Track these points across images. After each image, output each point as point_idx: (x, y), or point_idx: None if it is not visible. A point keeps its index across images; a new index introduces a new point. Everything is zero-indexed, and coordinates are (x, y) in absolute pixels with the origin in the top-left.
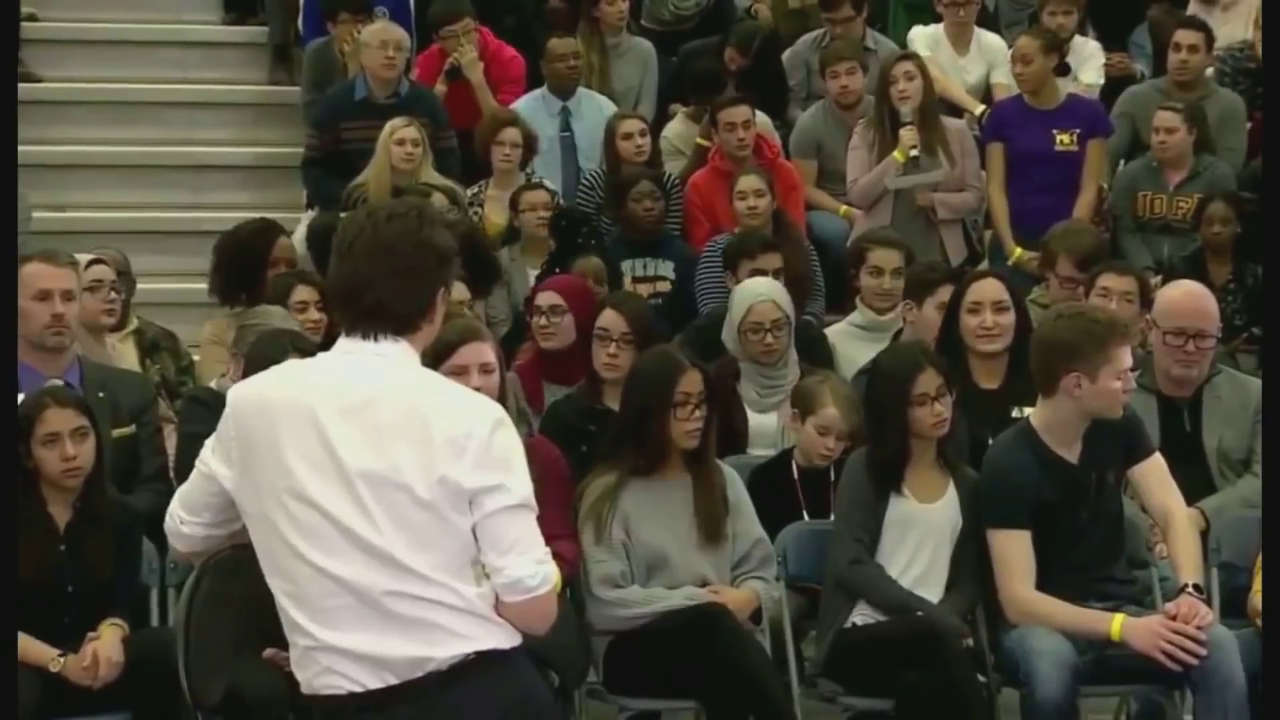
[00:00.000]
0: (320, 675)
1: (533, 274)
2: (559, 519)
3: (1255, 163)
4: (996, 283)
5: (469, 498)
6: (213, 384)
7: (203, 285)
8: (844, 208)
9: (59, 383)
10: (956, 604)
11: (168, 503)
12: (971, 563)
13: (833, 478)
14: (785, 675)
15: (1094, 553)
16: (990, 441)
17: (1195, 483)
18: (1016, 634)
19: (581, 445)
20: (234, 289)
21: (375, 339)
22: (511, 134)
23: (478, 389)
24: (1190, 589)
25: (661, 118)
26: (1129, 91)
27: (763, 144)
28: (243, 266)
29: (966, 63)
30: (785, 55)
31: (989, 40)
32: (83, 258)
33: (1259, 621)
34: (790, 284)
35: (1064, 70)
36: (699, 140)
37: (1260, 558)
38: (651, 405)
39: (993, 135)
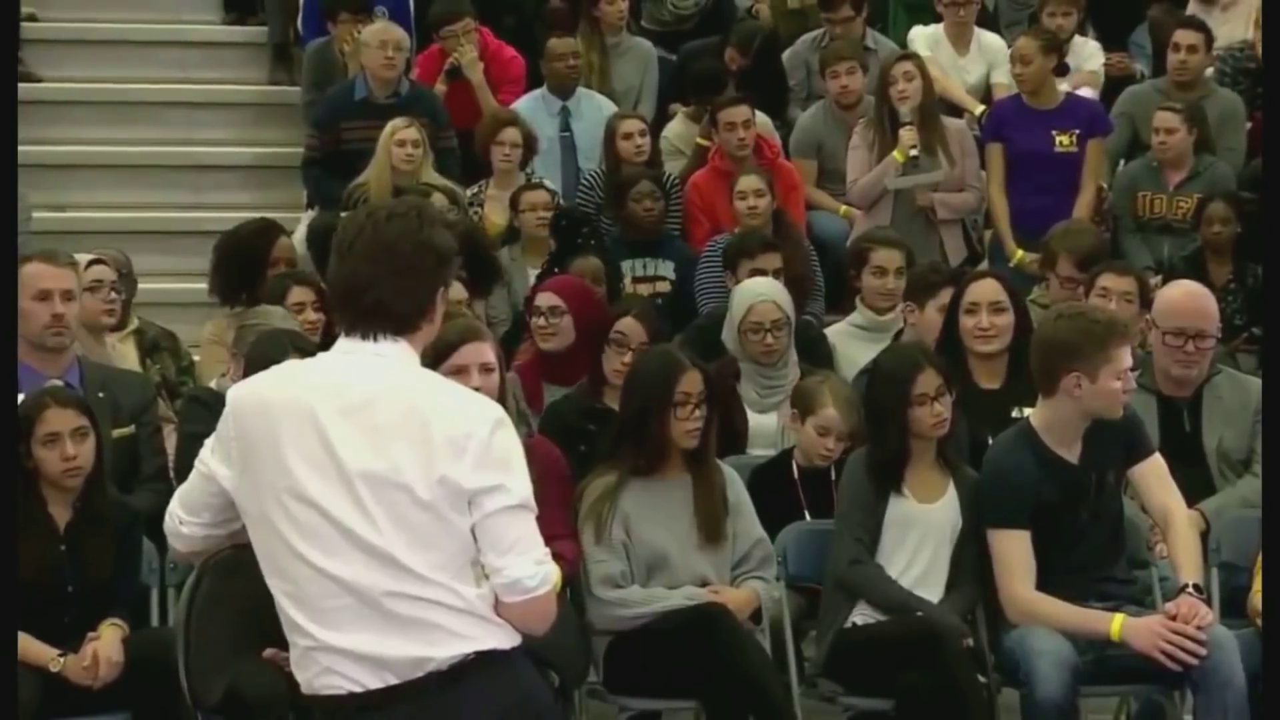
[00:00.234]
0: (320, 675)
1: (533, 274)
2: (559, 519)
3: (1255, 163)
4: (994, 283)
5: (469, 498)
6: (213, 384)
7: (203, 285)
8: (844, 208)
9: (59, 383)
10: (956, 604)
11: (168, 503)
12: (971, 563)
13: (833, 478)
14: (785, 675)
15: (1094, 553)
16: (990, 441)
17: (1195, 483)
18: (1016, 634)
19: (581, 445)
20: (234, 289)
21: (375, 339)
22: (511, 134)
23: (478, 389)
24: (1190, 589)
25: (661, 118)
26: (1129, 91)
27: (763, 144)
28: (243, 266)
29: (966, 63)
30: (785, 55)
31: (989, 40)
32: (83, 258)
33: (1259, 621)
34: (790, 284)
35: (1063, 70)
36: (699, 140)
37: (1260, 558)
38: (651, 405)
39: (992, 135)
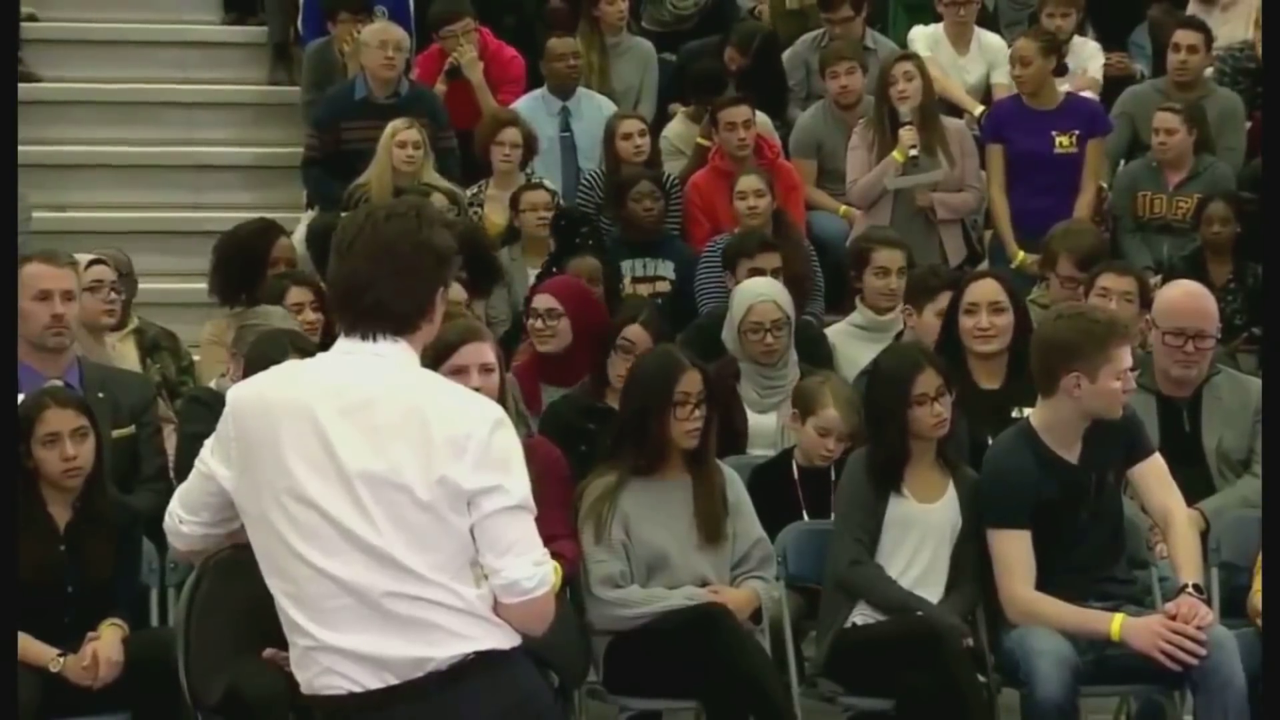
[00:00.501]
0: (320, 675)
1: (533, 274)
2: (559, 519)
3: (1255, 162)
4: (994, 284)
5: (468, 498)
6: (213, 384)
7: (203, 285)
8: (844, 208)
9: (59, 383)
10: (956, 604)
11: (168, 503)
12: (971, 563)
13: (833, 478)
14: (785, 675)
15: (1094, 553)
16: (990, 441)
17: (1195, 483)
18: (1016, 634)
19: (581, 444)
20: (234, 289)
21: (374, 339)
22: (511, 134)
23: (478, 389)
24: (1190, 589)
25: (661, 118)
26: (1129, 91)
27: (763, 144)
28: (243, 266)
29: (966, 63)
30: (785, 55)
31: (989, 40)
32: (83, 258)
33: (1259, 621)
34: (790, 284)
35: (1062, 70)
36: (699, 140)
37: (1260, 558)
38: (651, 405)
39: (992, 136)
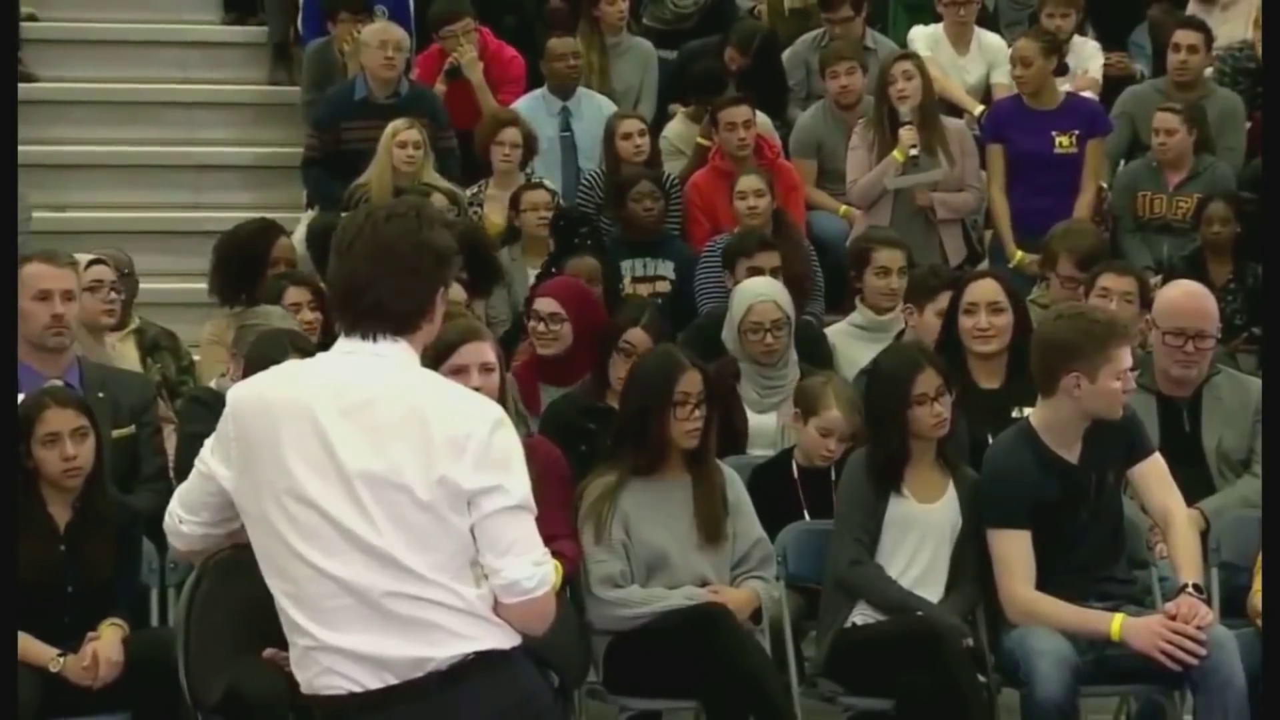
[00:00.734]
0: (320, 675)
1: (533, 274)
2: (559, 519)
3: (1255, 163)
4: (993, 283)
5: (468, 498)
6: (213, 384)
7: (203, 285)
8: (844, 208)
9: (59, 383)
10: (956, 604)
11: (168, 503)
12: (971, 563)
13: (833, 478)
14: (785, 675)
15: (1094, 553)
16: (990, 441)
17: (1195, 483)
18: (1016, 634)
19: (581, 444)
20: (234, 289)
21: (374, 339)
22: (511, 134)
23: (478, 389)
24: (1190, 589)
25: (661, 118)
26: (1129, 91)
27: (763, 144)
28: (243, 266)
29: (966, 63)
30: (785, 55)
31: (989, 40)
32: (83, 258)
33: (1259, 621)
34: (790, 284)
35: (1063, 71)
36: (699, 140)
37: (1260, 558)
38: (651, 405)
39: (992, 136)
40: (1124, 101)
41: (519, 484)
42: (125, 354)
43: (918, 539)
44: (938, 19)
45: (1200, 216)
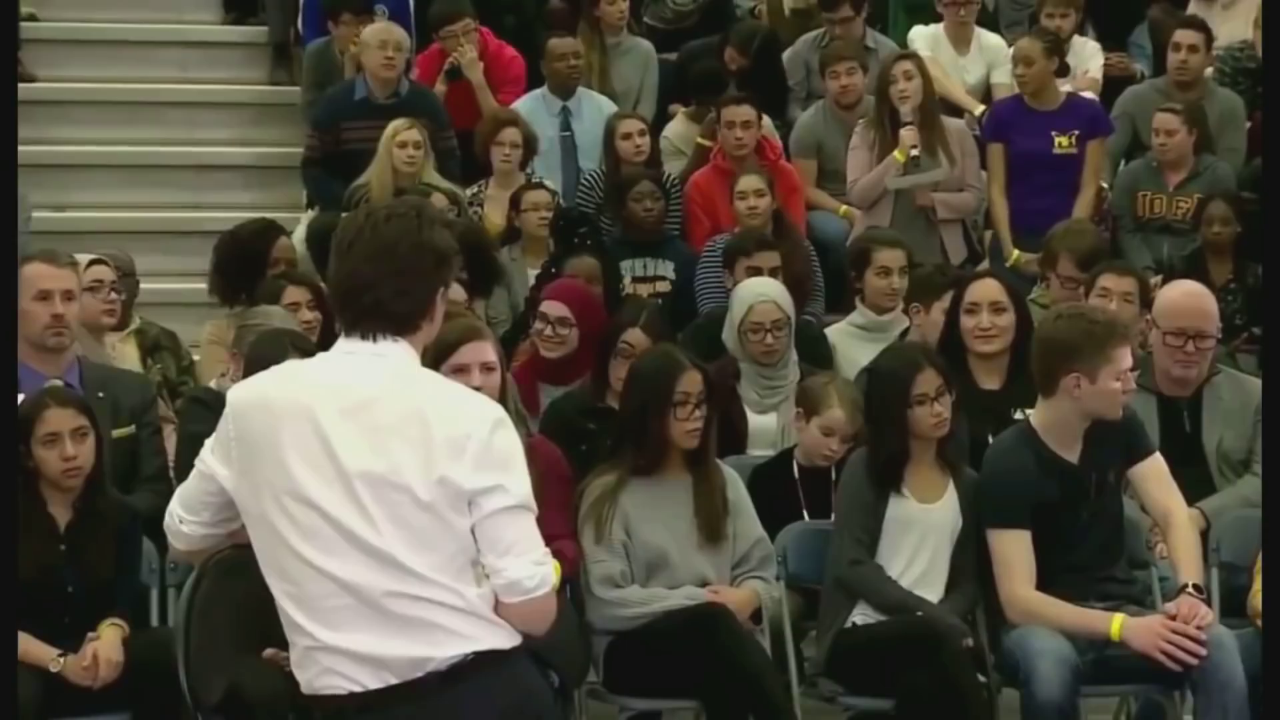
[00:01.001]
0: (320, 675)
1: (533, 274)
2: (559, 519)
3: (1255, 163)
4: (994, 283)
5: (468, 498)
6: (213, 384)
7: (203, 285)
8: (844, 208)
9: (59, 383)
10: (956, 604)
11: (168, 503)
12: (971, 563)
13: (833, 478)
14: (785, 675)
15: (1094, 553)
16: (990, 441)
17: (1195, 483)
18: (1016, 634)
19: (581, 444)
20: (234, 289)
21: (375, 339)
22: (511, 134)
23: (478, 388)
24: (1190, 589)
25: (661, 118)
26: (1129, 91)
27: (764, 144)
28: (243, 266)
29: (966, 63)
30: (785, 55)
31: (989, 40)
32: (83, 258)
33: (1259, 621)
34: (790, 284)
35: (1064, 71)
36: (700, 140)
37: (1260, 558)
38: (651, 405)
39: (992, 136)
40: (1124, 101)
41: (519, 484)
42: (126, 354)
43: (918, 539)
44: (938, 19)
45: (1200, 216)
